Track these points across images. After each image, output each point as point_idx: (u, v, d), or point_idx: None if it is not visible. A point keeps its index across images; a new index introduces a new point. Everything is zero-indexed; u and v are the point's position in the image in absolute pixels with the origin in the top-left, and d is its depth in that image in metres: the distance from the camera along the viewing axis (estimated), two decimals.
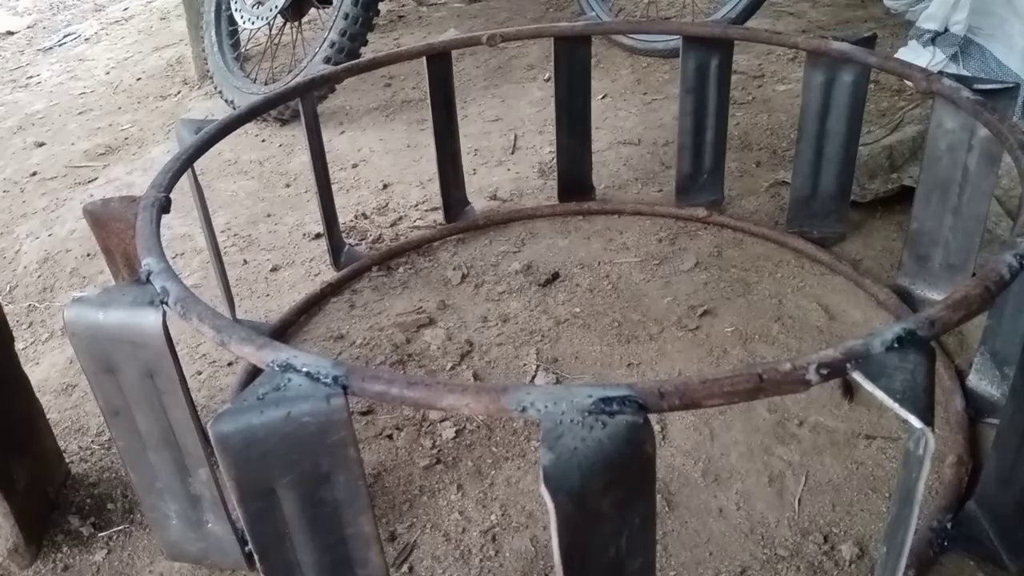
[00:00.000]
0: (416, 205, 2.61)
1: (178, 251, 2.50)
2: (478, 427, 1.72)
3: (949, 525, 1.39)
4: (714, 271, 2.15)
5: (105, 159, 3.29)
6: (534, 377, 1.83)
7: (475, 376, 1.84)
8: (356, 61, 2.15)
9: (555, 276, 2.17)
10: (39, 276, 2.50)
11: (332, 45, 2.97)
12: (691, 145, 2.32)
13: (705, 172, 2.36)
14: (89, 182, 3.08)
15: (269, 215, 2.65)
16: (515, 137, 3.02)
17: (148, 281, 1.21)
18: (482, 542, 1.48)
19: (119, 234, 1.46)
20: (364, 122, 3.27)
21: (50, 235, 2.72)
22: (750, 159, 2.70)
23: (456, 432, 1.71)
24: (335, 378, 0.97)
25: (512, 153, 2.92)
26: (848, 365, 0.94)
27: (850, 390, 1.73)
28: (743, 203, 2.46)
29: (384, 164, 2.91)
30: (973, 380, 1.67)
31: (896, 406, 0.89)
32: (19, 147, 3.53)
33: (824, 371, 0.93)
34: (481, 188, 2.68)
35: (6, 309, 2.38)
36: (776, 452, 1.60)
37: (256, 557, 1.06)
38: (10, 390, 1.47)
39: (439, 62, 2.19)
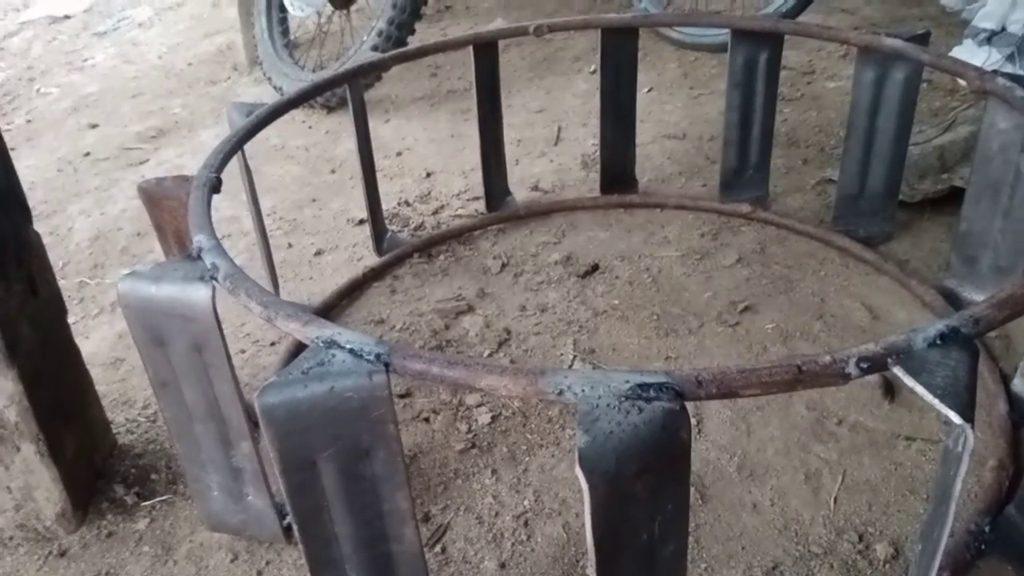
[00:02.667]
0: (458, 194, 2.62)
1: (225, 232, 2.55)
2: (513, 414, 1.73)
3: (987, 529, 1.37)
4: (756, 267, 2.14)
5: (156, 141, 3.37)
6: (571, 366, 1.84)
7: (511, 363, 1.86)
8: (404, 49, 2.17)
9: (595, 268, 2.18)
10: (90, 253, 2.57)
11: (380, 33, 3.00)
12: (737, 140, 2.30)
13: (750, 168, 2.34)
14: (141, 163, 3.15)
15: (314, 200, 2.69)
16: (559, 128, 3.03)
17: (199, 257, 1.24)
18: (514, 526, 1.49)
19: (171, 212, 1.50)
20: (409, 111, 3.30)
21: (102, 214, 2.79)
22: (797, 156, 2.67)
23: (492, 418, 1.72)
24: (378, 355, 0.99)
25: (555, 144, 2.93)
26: (889, 360, 0.93)
27: (891, 390, 1.71)
28: (788, 200, 2.44)
29: (428, 153, 2.93)
30: (1018, 384, 1.64)
31: (936, 402, 0.88)
32: (73, 128, 3.62)
33: (864, 364, 0.93)
34: (523, 179, 2.69)
35: (62, 284, 2.45)
36: (813, 450, 1.59)
37: (295, 527, 1.08)
38: (63, 360, 1.52)
39: (486, 52, 2.21)
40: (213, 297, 1.18)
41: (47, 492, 1.48)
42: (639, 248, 2.26)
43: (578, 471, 0.84)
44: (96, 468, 1.61)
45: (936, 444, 1.58)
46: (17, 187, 1.44)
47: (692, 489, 1.52)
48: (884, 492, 1.49)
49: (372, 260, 2.28)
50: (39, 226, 2.71)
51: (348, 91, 2.04)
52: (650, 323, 1.96)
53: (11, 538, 1.53)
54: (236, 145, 1.61)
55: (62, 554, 1.51)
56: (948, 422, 0.88)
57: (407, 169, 2.84)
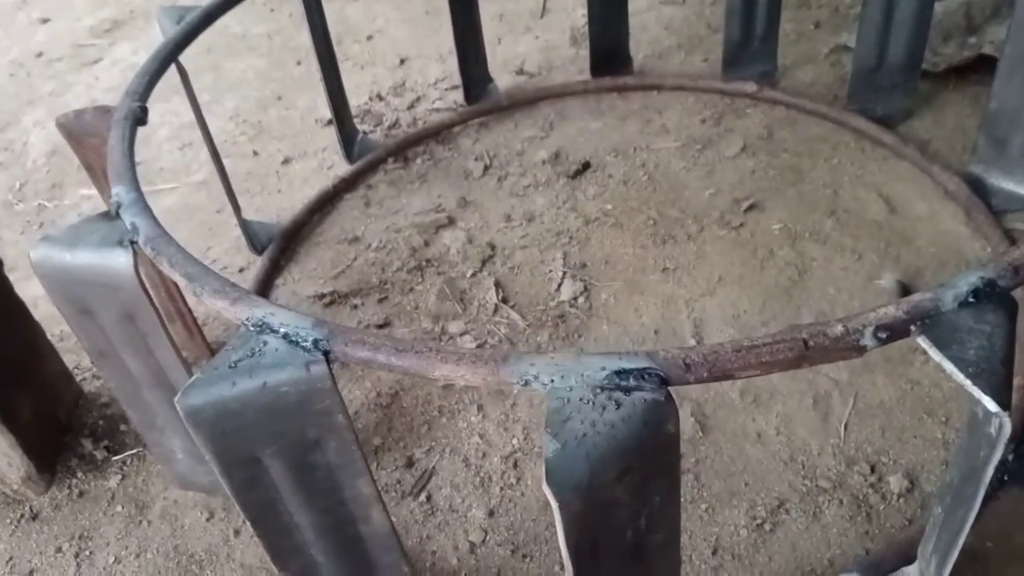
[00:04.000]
0: (435, 83, 2.41)
1: (187, 141, 2.36)
2: (500, 341, 1.61)
3: (1011, 458, 1.27)
4: (763, 157, 1.95)
5: (111, 35, 3.11)
6: (560, 285, 1.70)
7: (497, 284, 1.72)
8: None
9: (586, 166, 2.00)
10: (47, 171, 2.40)
11: None
12: (741, 7, 2.05)
13: (756, 39, 2.10)
14: (95, 63, 2.91)
15: (279, 98, 2.48)
16: None
17: (118, 215, 1.08)
18: (503, 468, 1.40)
19: (96, 150, 1.33)
20: None
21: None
22: (808, 19, 2.42)
23: (476, 347, 1.60)
24: (315, 342, 0.85)
25: (541, 17, 2.67)
26: (913, 327, 0.79)
27: (908, 294, 1.56)
28: (799, 74, 2.21)
29: (401, 35, 2.68)
30: None
31: (968, 383, 0.74)
32: (24, 23, 3.35)
33: (883, 334, 0.78)
34: (506, 60, 2.45)
35: (16, 208, 2.30)
36: (823, 370, 1.47)
37: (249, 523, 0.98)
38: (8, 320, 1.39)
39: None
40: (135, 263, 1.03)
41: (7, 457, 1.39)
42: (634, 139, 2.07)
43: (545, 487, 0.72)
44: (60, 423, 1.52)
45: None
46: None
47: (692, 419, 1.41)
48: (898, 416, 1.38)
49: (343, 167, 2.11)
50: None
51: None
52: (646, 229, 1.80)
53: None
54: (164, 62, 1.41)
55: (34, 517, 1.44)
56: (980, 406, 0.74)
57: (379, 56, 2.60)
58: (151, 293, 1.08)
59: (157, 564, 1.33)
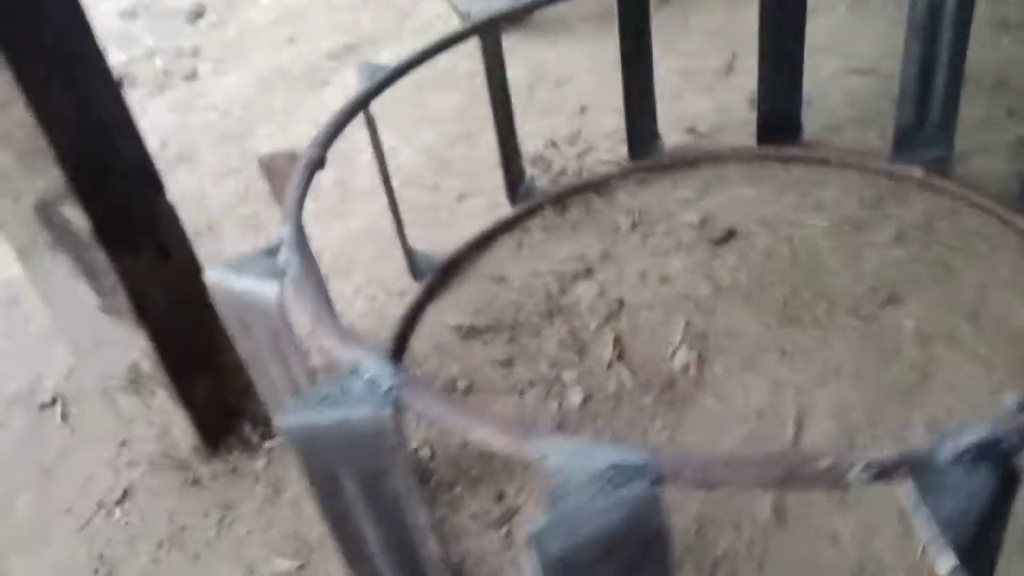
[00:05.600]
0: (608, 135, 2.53)
1: None
2: (606, 397, 1.72)
3: None
4: (915, 247, 1.91)
5: (342, 60, 3.51)
6: (676, 350, 1.77)
7: (616, 340, 1.83)
8: None
9: (730, 234, 2.04)
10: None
11: None
12: (915, 93, 2.01)
13: (931, 124, 2.05)
14: (324, 85, 3.32)
15: (469, 135, 2.72)
16: (732, 57, 2.79)
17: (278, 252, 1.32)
18: None
19: (283, 189, 1.60)
20: (579, 32, 3.18)
21: (283, 138, 3.00)
22: (1002, 103, 2.29)
23: (584, 399, 1.72)
24: (389, 389, 1.02)
25: (725, 76, 2.71)
26: (900, 471, 0.82)
27: None
28: (976, 162, 2.12)
29: (587, 84, 2.83)
30: None
31: (930, 540, 0.77)
32: (274, 42, 3.86)
33: (869, 474, 0.83)
34: (681, 118, 2.53)
35: (239, 211, 2.70)
36: None
37: (328, 527, 1.18)
38: (195, 317, 1.70)
39: None
40: (280, 295, 1.26)
41: (181, 429, 1.70)
42: (786, 213, 2.08)
43: (525, 555, 0.84)
44: (228, 407, 1.81)
45: None
46: (147, 162, 1.58)
47: (770, 508, 1.45)
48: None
49: (507, 209, 2.29)
50: (231, 148, 2.97)
51: (481, 43, 2.01)
52: (775, 307, 1.83)
53: (158, 463, 1.78)
54: (349, 116, 1.66)
55: (195, 482, 1.74)
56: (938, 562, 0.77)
57: (563, 103, 2.77)
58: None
59: (278, 542, 1.58)
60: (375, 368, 1.05)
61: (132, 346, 1.59)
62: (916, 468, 0.82)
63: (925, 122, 2.04)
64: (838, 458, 0.84)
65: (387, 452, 1.05)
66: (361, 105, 1.71)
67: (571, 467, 0.89)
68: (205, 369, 1.73)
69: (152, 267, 1.58)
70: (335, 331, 1.12)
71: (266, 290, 1.27)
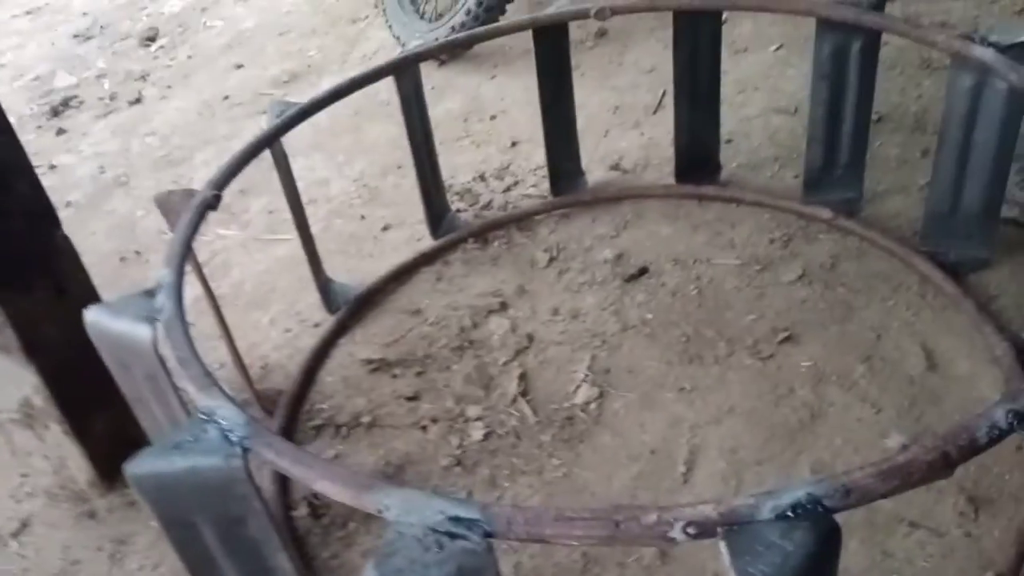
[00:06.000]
0: (536, 169, 2.56)
1: (312, 197, 2.66)
2: (507, 432, 1.73)
3: None
4: (818, 287, 1.94)
5: (286, 87, 3.52)
6: (578, 387, 1.79)
7: (522, 376, 1.84)
8: (452, 38, 2.13)
9: (643, 271, 2.07)
10: None
11: (468, 13, 2.91)
12: (823, 135, 2.06)
13: (840, 166, 2.09)
14: (263, 113, 3.32)
15: (399, 167, 2.72)
16: (663, 94, 2.83)
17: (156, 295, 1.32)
18: None
19: None
20: (518, 66, 3.20)
21: (219, 165, 2.99)
22: (919, 145, 2.35)
23: (485, 435, 1.73)
24: (240, 439, 1.03)
25: (654, 113, 2.75)
26: (719, 529, 0.84)
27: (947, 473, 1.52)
28: (888, 203, 2.17)
29: (521, 118, 2.86)
30: None
31: None
32: (223, 67, 3.86)
33: (691, 531, 0.85)
34: (607, 154, 2.57)
35: (166, 237, 2.68)
36: None
37: (190, 573, 1.17)
38: (90, 353, 1.69)
39: (546, 36, 2.09)
40: (155, 339, 1.26)
41: (77, 463, 1.69)
42: (698, 251, 2.11)
43: None
44: (128, 439, 1.79)
45: (943, 537, 1.41)
46: (42, 199, 1.58)
47: (655, 548, 1.46)
48: None
49: (429, 242, 2.31)
50: (167, 174, 2.95)
51: (396, 84, 2.03)
52: (677, 345, 1.85)
53: (56, 495, 1.76)
54: (250, 155, 1.67)
55: (91, 515, 1.73)
56: None
57: (495, 136, 2.79)
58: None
59: None
60: (229, 417, 1.05)
61: (23, 382, 1.58)
62: (734, 527, 0.83)
63: (834, 164, 2.08)
64: (662, 515, 0.85)
65: (240, 500, 1.05)
66: (262, 146, 1.72)
67: (408, 519, 0.90)
68: (103, 403, 1.71)
69: (45, 304, 1.57)
70: (195, 378, 1.12)
71: (140, 332, 1.27)
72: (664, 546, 0.85)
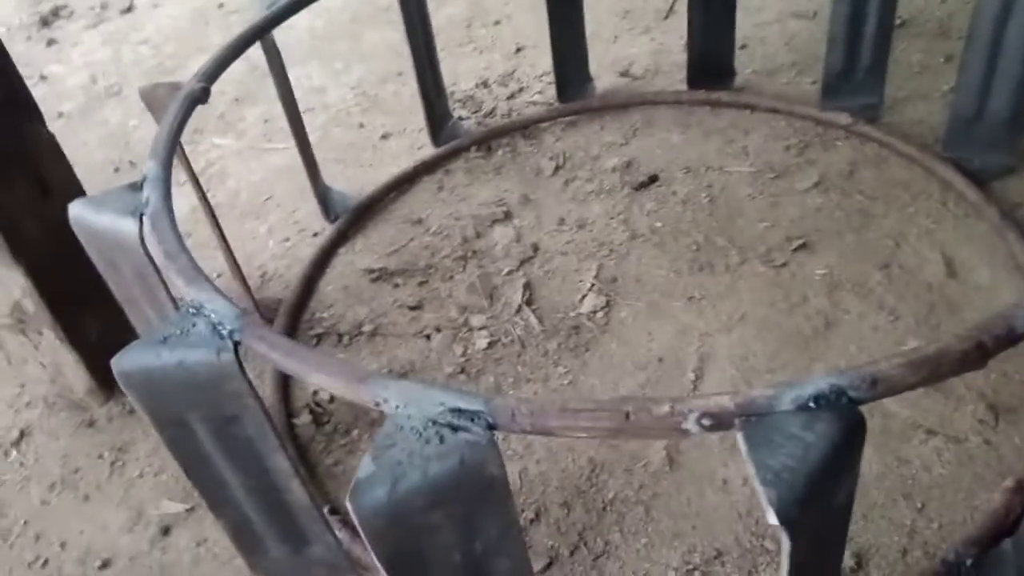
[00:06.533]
0: (542, 75, 2.46)
1: (309, 106, 2.57)
2: (512, 341, 1.68)
3: (969, 563, 1.19)
4: (834, 195, 1.87)
5: None
6: (584, 296, 1.74)
7: (527, 286, 1.78)
8: None
9: (652, 179, 2.00)
10: (196, 115, 2.67)
11: None
12: (845, 37, 1.95)
13: (861, 70, 1.99)
14: None
15: (400, 74, 2.63)
16: None
17: (142, 188, 1.25)
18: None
19: None
20: None
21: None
22: (941, 50, 2.24)
23: (489, 343, 1.69)
24: (231, 332, 0.97)
25: (665, 18, 2.64)
26: (737, 420, 0.79)
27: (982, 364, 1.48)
28: (909, 109, 2.08)
29: (526, 23, 2.74)
30: None
31: (759, 488, 0.74)
32: None
33: (706, 422, 0.80)
34: (616, 60, 2.46)
35: None
36: None
37: (184, 472, 1.14)
38: (83, 254, 1.63)
39: None
40: (141, 232, 1.20)
41: (73, 371, 1.65)
42: (710, 158, 2.03)
43: (347, 503, 0.80)
44: (124, 345, 1.75)
45: (961, 444, 1.37)
46: (20, 90, 1.50)
47: (663, 452, 1.42)
48: (873, 492, 1.33)
49: (431, 150, 2.23)
50: (165, 78, 2.85)
51: None
52: (687, 253, 1.79)
53: (54, 403, 1.73)
54: (238, 50, 1.58)
55: (90, 424, 1.70)
56: (767, 513, 0.74)
57: (499, 42, 2.68)
58: None
59: (169, 485, 1.54)
60: (219, 309, 0.99)
61: (12, 284, 1.53)
62: (752, 417, 0.78)
63: (855, 67, 1.98)
64: (674, 406, 0.80)
65: (233, 397, 1.00)
66: (254, 37, 1.63)
67: (406, 411, 0.85)
68: (94, 308, 1.66)
69: (29, 202, 1.50)
70: (183, 269, 1.06)
71: (125, 227, 1.21)
72: (677, 438, 0.81)
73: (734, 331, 1.61)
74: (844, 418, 0.78)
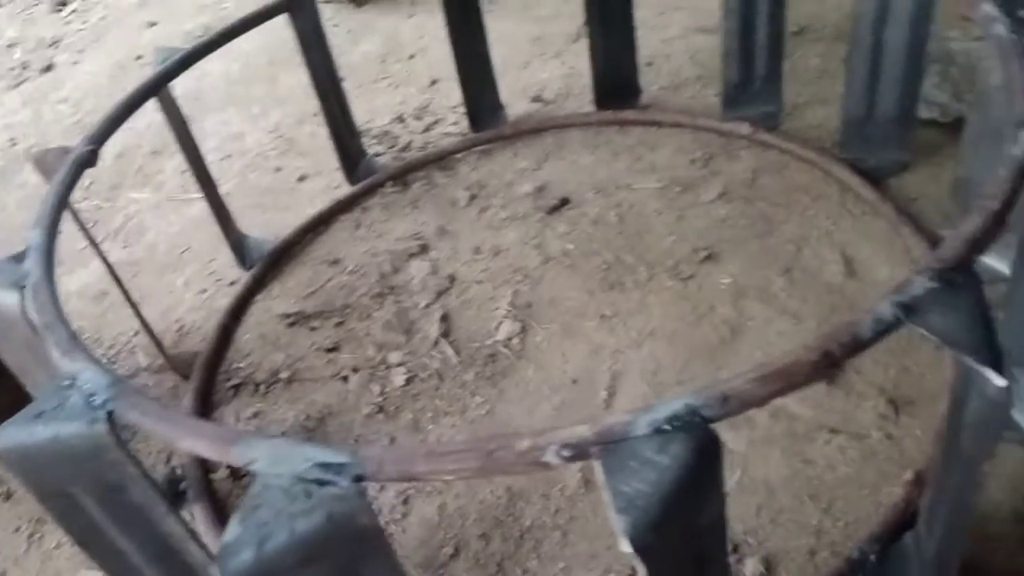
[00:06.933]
0: (456, 107, 2.47)
1: (227, 153, 2.56)
2: (430, 375, 1.69)
3: (873, 557, 1.22)
4: (738, 204, 1.91)
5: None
6: (500, 324, 1.75)
7: (444, 318, 1.79)
8: None
9: (564, 202, 2.02)
10: (112, 171, 2.67)
11: None
12: (738, 49, 2.00)
13: (757, 80, 2.04)
14: None
15: (316, 114, 2.61)
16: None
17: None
18: (394, 503, 1.49)
19: None
20: (436, 3, 3.09)
21: (130, 128, 2.86)
22: (838, 55, 2.29)
23: (407, 380, 1.69)
24: (104, 402, 0.97)
25: (575, 42, 2.67)
26: (594, 449, 0.80)
27: (835, 366, 1.51)
28: (809, 114, 2.13)
29: (440, 56, 2.75)
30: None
31: (613, 514, 0.75)
32: (135, 26, 3.69)
33: (566, 453, 0.81)
34: (528, 85, 2.49)
35: (83, 205, 2.58)
36: (722, 437, 1.45)
37: (77, 545, 1.12)
38: None
39: None
40: (22, 305, 1.19)
41: None
42: (619, 177, 2.06)
43: (215, 570, 0.80)
44: None
45: (863, 440, 1.40)
46: None
47: (579, 475, 1.43)
48: (780, 495, 1.35)
49: (349, 188, 2.23)
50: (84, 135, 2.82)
51: (291, 21, 1.93)
52: (598, 273, 1.81)
53: None
54: (129, 109, 1.58)
55: (8, 497, 1.67)
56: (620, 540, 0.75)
57: (413, 76, 2.70)
58: None
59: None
60: (92, 380, 0.99)
61: None
62: (609, 445, 0.80)
63: (751, 78, 2.03)
64: (536, 440, 0.82)
65: (112, 466, 0.99)
66: (145, 96, 1.63)
67: (274, 470, 0.85)
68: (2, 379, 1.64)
69: None
70: (59, 341, 1.05)
71: (8, 300, 1.20)
72: (540, 471, 0.82)
73: (644, 346, 1.64)
74: (697, 438, 0.80)
